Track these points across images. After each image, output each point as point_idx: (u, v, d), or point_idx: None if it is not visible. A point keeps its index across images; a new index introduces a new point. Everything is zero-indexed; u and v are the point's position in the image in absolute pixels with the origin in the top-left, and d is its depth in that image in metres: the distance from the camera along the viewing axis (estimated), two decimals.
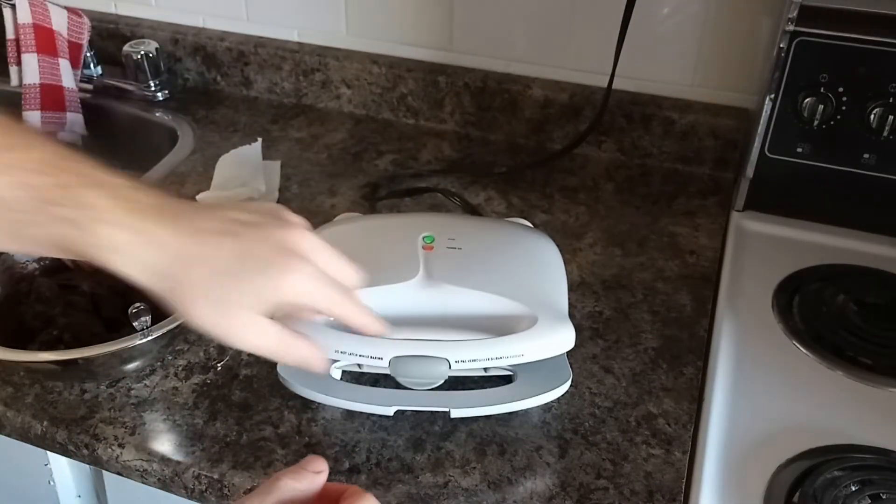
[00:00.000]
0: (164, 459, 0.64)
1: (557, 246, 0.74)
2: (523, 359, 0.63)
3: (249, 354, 0.73)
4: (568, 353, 0.67)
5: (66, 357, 0.66)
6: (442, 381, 0.64)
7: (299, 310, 0.54)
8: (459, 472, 0.63)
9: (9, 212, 0.47)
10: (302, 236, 0.52)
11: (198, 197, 0.91)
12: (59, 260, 0.77)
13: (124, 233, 0.47)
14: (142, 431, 0.66)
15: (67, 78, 1.11)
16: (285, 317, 0.52)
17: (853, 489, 0.60)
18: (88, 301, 0.75)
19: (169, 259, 0.48)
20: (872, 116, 0.81)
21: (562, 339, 0.64)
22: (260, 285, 0.49)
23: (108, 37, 1.19)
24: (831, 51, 0.80)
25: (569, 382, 0.66)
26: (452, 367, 0.62)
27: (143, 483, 0.66)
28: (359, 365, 0.68)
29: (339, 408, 0.67)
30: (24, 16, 1.06)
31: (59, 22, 1.09)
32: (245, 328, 0.49)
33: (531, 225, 0.79)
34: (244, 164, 0.99)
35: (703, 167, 1.01)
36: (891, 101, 0.80)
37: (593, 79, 1.02)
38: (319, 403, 0.67)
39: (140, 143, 1.14)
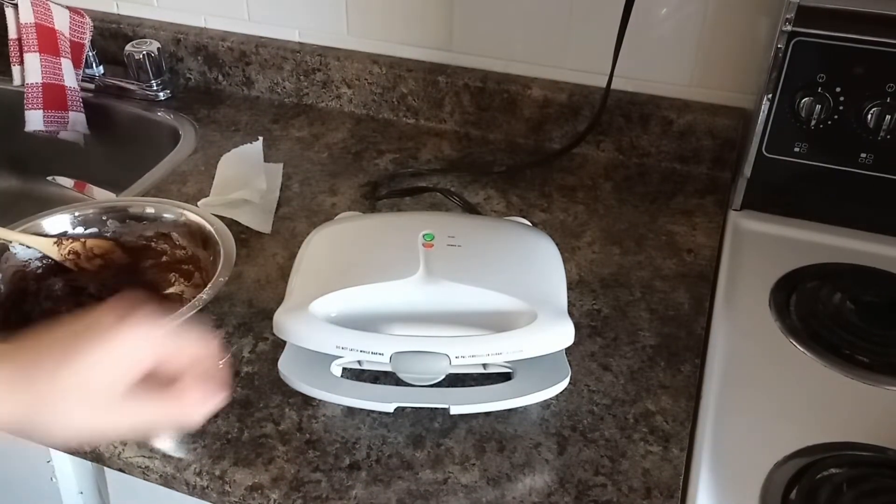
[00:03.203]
0: (165, 456, 0.65)
1: (556, 244, 0.75)
2: (523, 354, 0.63)
3: (251, 352, 0.74)
4: (566, 350, 0.67)
5: None
6: (442, 377, 0.64)
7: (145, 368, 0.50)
8: (459, 469, 0.64)
9: None
10: (112, 308, 0.49)
11: (199, 203, 0.91)
12: (60, 265, 0.78)
13: None
14: None
15: (69, 77, 1.11)
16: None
17: (850, 487, 0.61)
18: (97, 303, 0.75)
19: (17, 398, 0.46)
20: (869, 116, 0.81)
21: (561, 334, 0.64)
22: (96, 364, 0.46)
23: (111, 36, 1.20)
24: (829, 51, 0.81)
25: (567, 380, 0.66)
26: (453, 363, 0.62)
27: (144, 480, 0.66)
28: (359, 362, 0.69)
29: (339, 405, 0.67)
30: (27, 15, 1.07)
31: (61, 21, 1.10)
32: (101, 418, 0.48)
33: (530, 224, 0.79)
34: (245, 163, 0.99)
35: (701, 166, 1.01)
36: (888, 100, 0.80)
37: (592, 79, 1.02)
38: (320, 400, 0.68)
39: (142, 143, 1.14)
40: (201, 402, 0.50)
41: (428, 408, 0.68)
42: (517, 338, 0.63)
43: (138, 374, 0.48)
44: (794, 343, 0.75)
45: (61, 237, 0.78)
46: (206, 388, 0.50)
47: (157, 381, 0.49)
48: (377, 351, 0.62)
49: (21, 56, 1.08)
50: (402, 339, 0.63)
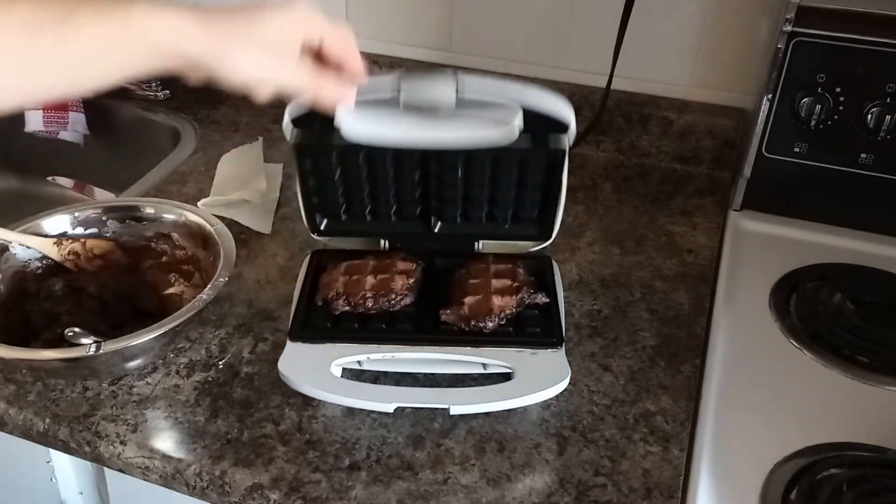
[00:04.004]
0: (165, 457, 0.65)
1: (557, 238, 0.74)
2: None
3: (251, 352, 0.74)
4: (567, 351, 0.67)
5: (68, 355, 0.67)
6: (451, 105, 0.64)
7: (315, 48, 0.58)
8: (459, 469, 0.64)
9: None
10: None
11: (199, 203, 0.91)
12: (60, 265, 0.78)
13: (158, 9, 0.52)
14: (143, 429, 0.67)
15: None
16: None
17: (850, 487, 0.61)
18: (97, 303, 0.75)
19: (201, 22, 0.53)
20: (869, 116, 0.81)
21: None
22: (281, 19, 0.55)
23: None
24: (829, 51, 0.81)
25: (567, 380, 0.66)
26: (459, 93, 0.63)
27: (144, 480, 0.66)
28: (359, 362, 0.69)
29: (339, 405, 0.67)
30: None
31: None
32: (282, 67, 0.56)
33: None
34: (245, 164, 0.99)
35: (701, 167, 1.01)
36: (888, 100, 0.80)
37: (592, 79, 1.02)
38: (320, 401, 0.68)
39: (142, 143, 1.14)
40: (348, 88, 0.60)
41: (428, 408, 0.67)
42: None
43: (306, 44, 0.57)
44: (794, 343, 0.75)
45: (61, 237, 0.78)
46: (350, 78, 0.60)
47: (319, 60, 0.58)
48: (387, 88, 0.63)
49: None
50: (410, 71, 0.63)
